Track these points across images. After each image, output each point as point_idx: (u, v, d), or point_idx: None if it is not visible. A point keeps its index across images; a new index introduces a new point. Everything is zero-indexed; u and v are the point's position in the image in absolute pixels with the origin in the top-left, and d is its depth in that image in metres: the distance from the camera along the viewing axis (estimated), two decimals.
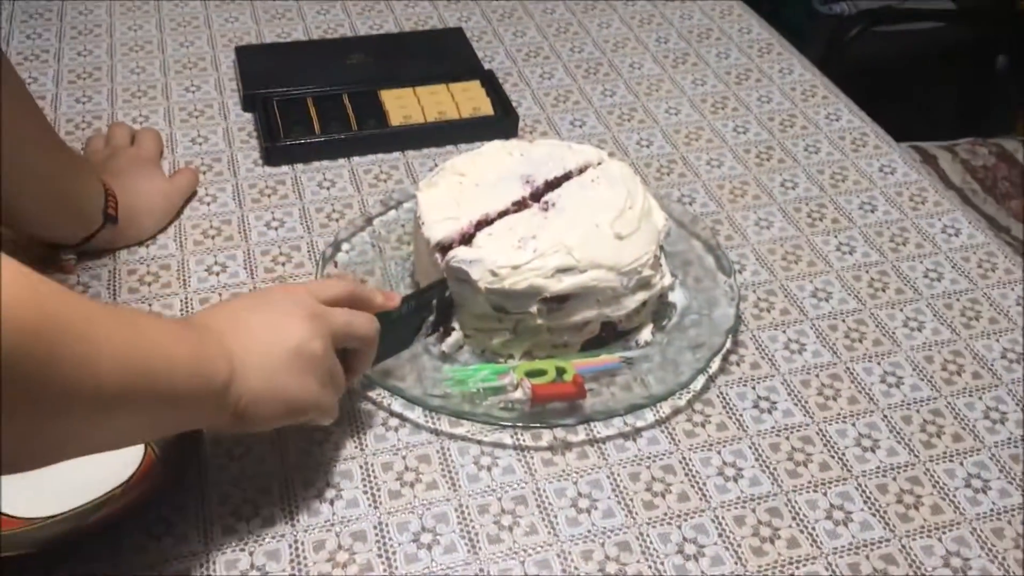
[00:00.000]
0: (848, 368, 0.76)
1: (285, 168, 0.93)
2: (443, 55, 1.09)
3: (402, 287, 0.80)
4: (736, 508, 0.66)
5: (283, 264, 0.83)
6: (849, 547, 0.64)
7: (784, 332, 0.79)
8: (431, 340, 0.74)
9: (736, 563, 0.62)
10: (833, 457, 0.69)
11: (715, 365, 0.75)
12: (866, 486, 0.67)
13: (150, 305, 0.78)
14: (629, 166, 0.82)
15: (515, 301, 0.70)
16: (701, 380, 0.74)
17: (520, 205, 0.75)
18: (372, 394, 0.72)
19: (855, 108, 1.07)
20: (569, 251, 0.70)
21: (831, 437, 0.71)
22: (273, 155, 0.94)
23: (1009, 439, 0.71)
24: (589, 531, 0.64)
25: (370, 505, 0.65)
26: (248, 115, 1.00)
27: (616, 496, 0.66)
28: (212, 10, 1.17)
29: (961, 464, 0.69)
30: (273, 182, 0.92)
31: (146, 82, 1.04)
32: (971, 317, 0.81)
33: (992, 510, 0.66)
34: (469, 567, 0.62)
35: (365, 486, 0.66)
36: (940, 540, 0.64)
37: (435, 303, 0.72)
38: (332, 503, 0.65)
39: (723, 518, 0.65)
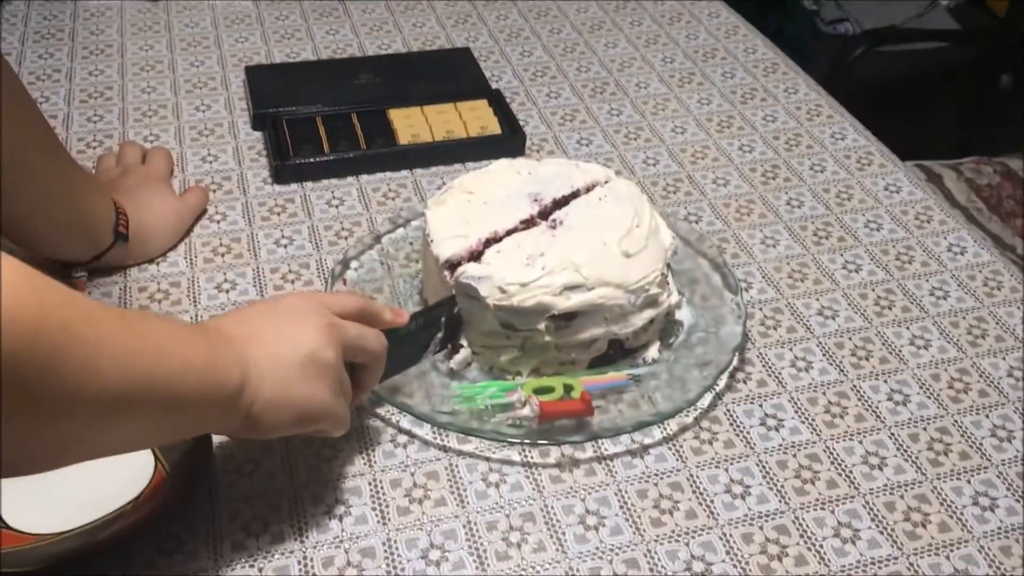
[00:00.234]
0: (855, 386, 0.76)
1: (294, 186, 0.94)
2: (451, 74, 1.10)
3: (411, 304, 0.80)
4: (744, 525, 0.66)
5: (292, 282, 0.83)
6: (857, 565, 0.64)
7: (791, 350, 0.79)
8: (439, 357, 0.75)
9: None
10: (840, 475, 0.69)
11: (722, 383, 0.75)
12: (873, 504, 0.68)
13: None
14: (636, 185, 0.82)
15: (523, 318, 0.71)
16: (708, 398, 0.74)
17: (528, 223, 0.75)
18: (381, 411, 0.72)
19: (860, 127, 1.07)
20: (577, 269, 0.70)
21: (838, 455, 0.71)
22: (282, 173, 0.94)
23: (1016, 457, 0.71)
24: (597, 548, 0.64)
25: (379, 522, 0.65)
26: (258, 134, 1.01)
27: (624, 513, 0.66)
28: (222, 30, 1.18)
29: (968, 482, 0.69)
30: (282, 200, 0.93)
31: (157, 101, 1.05)
32: (977, 335, 0.81)
33: (1000, 528, 0.66)
34: None
35: (374, 503, 0.66)
36: (948, 558, 0.64)
37: (443, 320, 0.72)
38: (341, 520, 0.65)
39: (731, 535, 0.65)
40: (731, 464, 0.70)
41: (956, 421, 0.74)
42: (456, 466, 0.69)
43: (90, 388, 0.46)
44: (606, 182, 0.80)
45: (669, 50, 1.20)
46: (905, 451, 0.71)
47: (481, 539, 0.64)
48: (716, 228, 0.92)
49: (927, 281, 0.87)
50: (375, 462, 0.69)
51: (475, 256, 0.73)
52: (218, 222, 0.90)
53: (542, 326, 0.71)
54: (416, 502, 0.66)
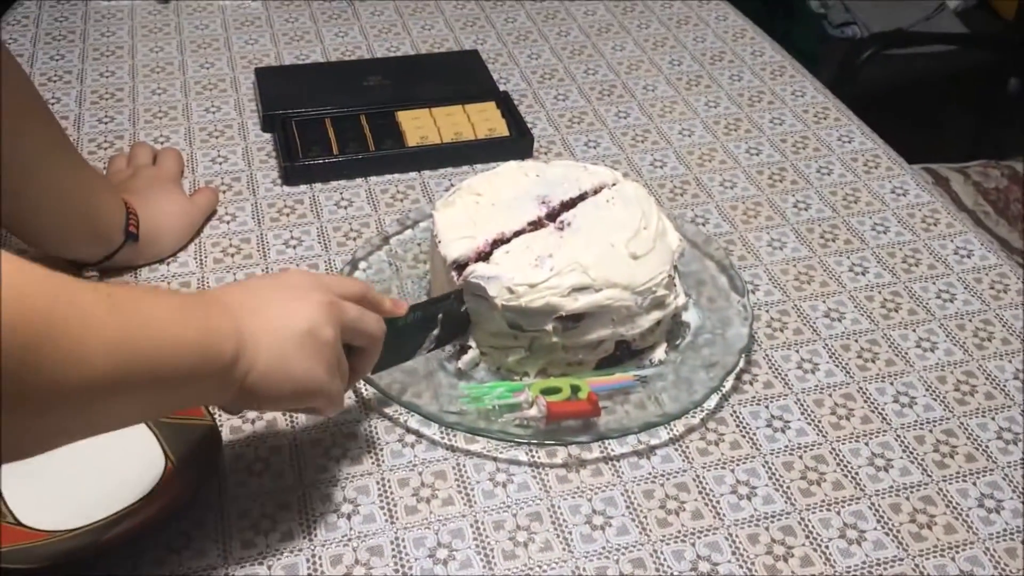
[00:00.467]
0: (861, 388, 0.77)
1: (303, 187, 0.95)
2: (459, 77, 1.10)
3: None
4: (750, 526, 0.66)
5: None
6: (862, 566, 0.64)
7: (797, 352, 0.79)
8: (446, 357, 0.75)
9: None
10: (846, 476, 0.70)
11: (728, 384, 0.75)
12: (879, 505, 0.68)
13: None
14: (643, 187, 0.83)
15: (531, 319, 0.71)
16: (715, 399, 0.74)
17: (536, 225, 0.76)
18: (389, 411, 0.73)
19: (867, 130, 1.07)
20: (585, 270, 0.71)
21: (844, 456, 0.71)
22: (292, 175, 0.95)
23: (1022, 459, 0.71)
24: (603, 548, 0.64)
25: (387, 520, 0.65)
26: (267, 135, 1.02)
27: (630, 513, 0.67)
28: (232, 32, 1.19)
29: (974, 484, 0.70)
30: (292, 201, 0.93)
31: (167, 103, 1.06)
32: (984, 338, 0.81)
33: (1005, 530, 0.67)
34: None
35: (382, 501, 0.67)
36: (953, 559, 0.65)
37: (440, 317, 0.72)
38: (349, 518, 0.65)
39: (737, 536, 0.65)
40: (737, 465, 0.70)
41: (962, 423, 0.74)
42: (463, 466, 0.69)
43: (77, 377, 0.45)
44: (614, 184, 0.80)
45: (676, 53, 1.20)
46: (911, 453, 0.72)
47: (488, 538, 0.65)
48: (723, 230, 0.92)
49: (934, 284, 0.87)
50: (383, 461, 0.69)
51: (483, 257, 0.73)
52: (228, 223, 0.90)
53: (550, 327, 0.71)
54: (424, 501, 0.67)
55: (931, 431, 0.73)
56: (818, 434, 0.73)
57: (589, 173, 0.81)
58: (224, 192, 0.94)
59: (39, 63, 1.11)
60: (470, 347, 0.75)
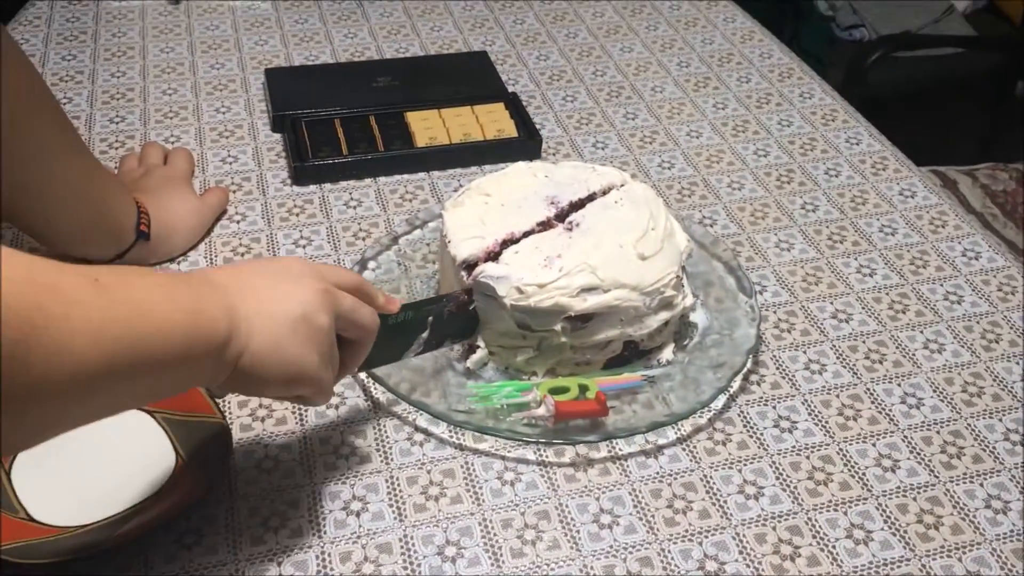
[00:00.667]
0: (868, 389, 0.77)
1: (313, 187, 0.95)
2: (468, 78, 1.11)
3: None
4: (757, 526, 0.66)
5: None
6: (869, 566, 0.64)
7: (804, 352, 0.80)
8: (455, 356, 0.75)
9: None
10: (853, 476, 0.70)
11: (736, 384, 0.76)
12: (886, 506, 0.68)
13: None
14: (651, 188, 0.83)
15: (539, 319, 0.71)
16: (722, 399, 0.75)
17: (545, 225, 0.76)
18: (398, 409, 0.73)
19: (875, 132, 1.08)
20: (593, 271, 0.71)
21: (851, 457, 0.71)
22: (301, 175, 0.96)
23: None
24: (611, 547, 0.65)
25: (395, 518, 0.66)
26: (277, 135, 1.02)
27: (638, 512, 0.67)
28: (242, 33, 1.20)
29: (981, 485, 0.70)
30: (301, 201, 0.94)
31: (178, 103, 1.07)
32: (991, 340, 0.82)
33: (1012, 531, 0.67)
34: None
35: (391, 499, 0.67)
36: (960, 560, 0.65)
37: (431, 320, 0.71)
38: (358, 515, 0.66)
39: (744, 535, 0.66)
40: (744, 465, 0.70)
41: (969, 424, 0.74)
42: (472, 464, 0.70)
43: (64, 370, 0.44)
44: (622, 185, 0.80)
45: (684, 54, 1.20)
46: (918, 454, 0.72)
47: (496, 536, 0.65)
48: (731, 231, 0.92)
49: (941, 285, 0.87)
50: (392, 459, 0.70)
51: (492, 256, 0.73)
52: (238, 222, 0.91)
53: (558, 327, 0.72)
54: (432, 499, 0.67)
55: (938, 432, 0.73)
56: (825, 435, 0.73)
57: (598, 174, 0.81)
58: (234, 192, 0.94)
59: (51, 63, 1.12)
60: (479, 346, 0.75)
